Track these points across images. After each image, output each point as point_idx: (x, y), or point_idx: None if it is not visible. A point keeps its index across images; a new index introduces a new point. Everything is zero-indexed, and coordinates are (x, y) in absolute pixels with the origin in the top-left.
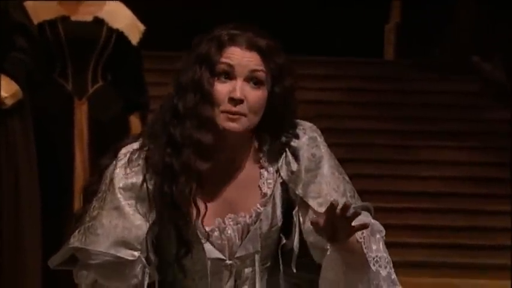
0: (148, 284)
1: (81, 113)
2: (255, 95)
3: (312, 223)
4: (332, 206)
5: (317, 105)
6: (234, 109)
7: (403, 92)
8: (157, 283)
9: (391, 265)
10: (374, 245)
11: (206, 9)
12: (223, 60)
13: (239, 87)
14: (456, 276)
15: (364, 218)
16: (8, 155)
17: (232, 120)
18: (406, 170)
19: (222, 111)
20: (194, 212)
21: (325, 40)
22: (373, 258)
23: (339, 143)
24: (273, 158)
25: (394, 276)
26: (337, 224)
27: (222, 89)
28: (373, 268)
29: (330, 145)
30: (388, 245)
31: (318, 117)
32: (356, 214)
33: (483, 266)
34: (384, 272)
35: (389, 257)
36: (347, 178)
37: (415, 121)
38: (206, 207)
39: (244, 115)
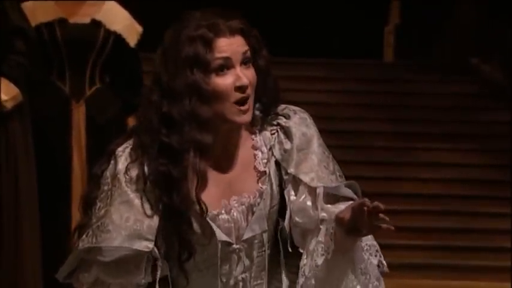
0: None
1: (79, 115)
2: (251, 74)
3: (336, 217)
4: (362, 204)
5: (316, 107)
6: (244, 96)
7: (403, 94)
8: (170, 278)
9: (381, 253)
10: None
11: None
12: (218, 55)
13: (242, 74)
14: (456, 278)
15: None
16: (8, 156)
17: (244, 112)
18: (405, 172)
19: (235, 102)
20: (198, 209)
21: (324, 42)
22: (363, 247)
23: (338, 145)
24: (266, 138)
25: (384, 264)
26: (361, 220)
27: (225, 82)
28: (365, 256)
29: (329, 147)
30: (388, 247)
31: (317, 119)
32: (383, 219)
33: (483, 268)
34: (375, 261)
35: (377, 246)
36: (334, 159)
37: (414, 123)
38: (206, 207)
39: (249, 98)
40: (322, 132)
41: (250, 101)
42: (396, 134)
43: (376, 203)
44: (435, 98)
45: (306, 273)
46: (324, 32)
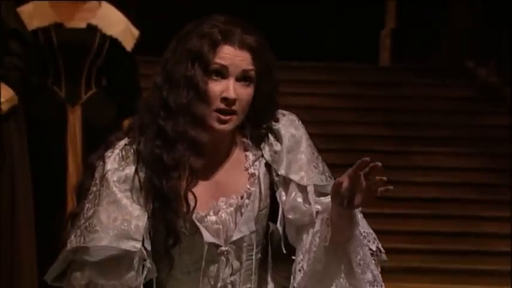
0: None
1: (75, 120)
2: (245, 93)
3: (335, 184)
4: (363, 163)
5: (312, 111)
6: (227, 108)
7: (399, 98)
8: (155, 280)
9: (378, 241)
10: (360, 221)
11: (196, 15)
12: (217, 60)
13: (232, 87)
14: (455, 282)
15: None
16: (4, 157)
17: (224, 121)
18: (401, 176)
19: (215, 110)
20: (185, 204)
21: (320, 46)
22: (361, 234)
23: (333, 149)
24: (257, 141)
25: (382, 251)
26: (358, 187)
27: (215, 87)
28: (364, 241)
29: (324, 151)
30: (386, 251)
31: (312, 122)
32: (383, 181)
33: (483, 272)
34: (373, 247)
35: (374, 234)
36: (323, 161)
37: (410, 127)
38: (196, 199)
39: (236, 113)
40: (318, 136)
41: (235, 117)
42: (392, 138)
43: (375, 162)
44: (431, 102)
45: (304, 268)
46: (320, 35)
